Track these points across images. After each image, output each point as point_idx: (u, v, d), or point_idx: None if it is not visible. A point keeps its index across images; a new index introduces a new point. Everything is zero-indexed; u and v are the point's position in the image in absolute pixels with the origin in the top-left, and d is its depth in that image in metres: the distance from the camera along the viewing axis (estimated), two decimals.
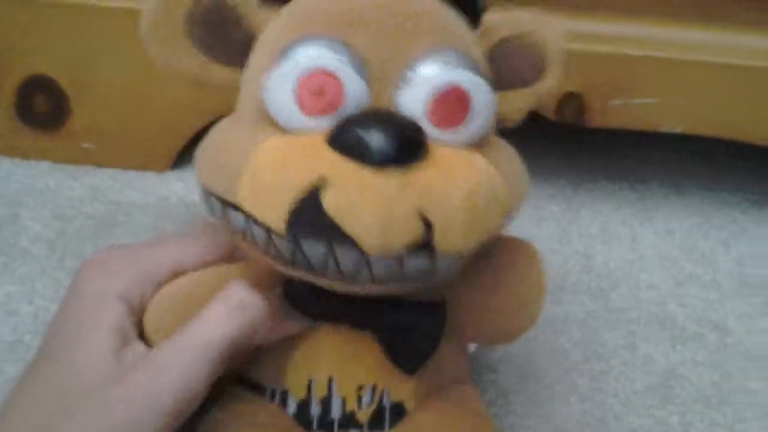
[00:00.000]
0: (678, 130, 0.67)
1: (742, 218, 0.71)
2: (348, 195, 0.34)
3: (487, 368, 0.55)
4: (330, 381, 0.42)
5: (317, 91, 0.36)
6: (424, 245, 0.35)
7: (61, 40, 0.64)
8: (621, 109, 0.66)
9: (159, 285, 0.42)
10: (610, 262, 0.65)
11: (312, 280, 0.39)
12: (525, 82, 0.45)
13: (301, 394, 0.42)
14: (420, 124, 0.37)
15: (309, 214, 0.35)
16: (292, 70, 0.36)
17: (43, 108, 0.67)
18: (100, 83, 0.66)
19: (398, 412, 0.43)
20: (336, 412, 0.42)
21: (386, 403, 0.43)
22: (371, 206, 0.34)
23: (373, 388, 0.42)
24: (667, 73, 0.65)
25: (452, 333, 0.43)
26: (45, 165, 0.68)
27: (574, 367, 0.56)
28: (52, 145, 0.68)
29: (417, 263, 0.36)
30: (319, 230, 0.35)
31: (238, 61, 0.41)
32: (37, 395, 0.39)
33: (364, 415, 0.42)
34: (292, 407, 0.43)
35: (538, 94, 0.46)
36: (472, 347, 0.53)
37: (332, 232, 0.35)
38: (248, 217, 0.37)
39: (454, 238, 0.36)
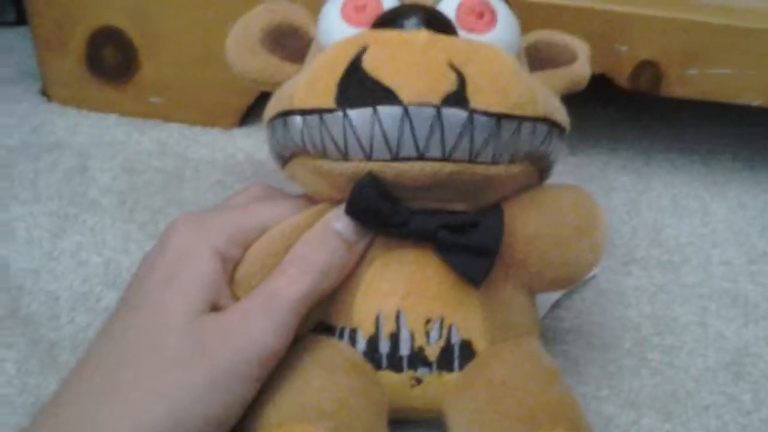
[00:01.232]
0: (755, 103, 0.65)
1: None
2: (384, 51, 0.40)
3: (558, 339, 0.54)
4: (398, 314, 0.43)
5: (360, 8, 0.43)
6: (459, 99, 0.39)
7: None
8: (697, 79, 0.65)
9: (249, 246, 0.44)
10: (681, 235, 0.64)
11: (366, 168, 0.41)
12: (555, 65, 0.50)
13: (370, 330, 0.43)
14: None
15: (353, 80, 0.40)
16: None
17: (112, 60, 0.67)
18: (169, 38, 0.66)
19: (467, 352, 0.43)
20: (405, 348, 0.43)
21: (455, 339, 0.43)
22: (405, 56, 0.39)
23: (441, 322, 0.43)
24: (746, 44, 0.63)
25: (518, 283, 0.44)
26: (113, 117, 0.68)
27: (645, 340, 0.55)
28: (120, 98, 0.68)
29: (455, 118, 0.39)
30: (364, 92, 0.39)
31: (300, 60, 0.47)
32: (122, 338, 0.40)
33: (433, 352, 0.43)
34: (361, 344, 0.43)
35: (568, 78, 0.49)
36: (542, 310, 0.52)
37: (375, 91, 0.39)
38: (303, 113, 0.41)
39: (487, 94, 0.39)
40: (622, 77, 0.64)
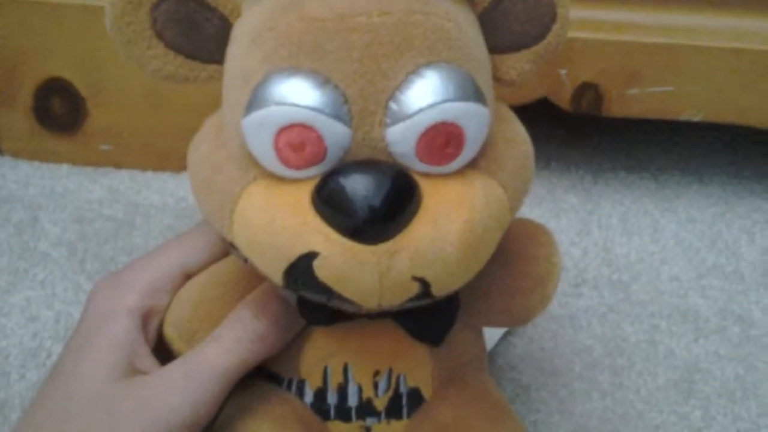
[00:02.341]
0: (697, 118, 0.66)
1: (766, 206, 0.70)
2: (338, 269, 0.33)
3: (508, 365, 0.55)
4: (345, 367, 0.42)
5: (297, 147, 0.33)
6: (422, 297, 0.35)
7: (76, 42, 0.65)
8: (638, 98, 0.65)
9: (173, 290, 0.42)
10: (631, 253, 0.65)
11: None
12: (529, 39, 0.39)
13: (318, 382, 0.42)
14: (409, 163, 0.34)
15: (303, 277, 0.34)
16: (269, 122, 0.33)
17: (60, 110, 0.67)
18: (115, 85, 0.66)
19: (416, 399, 0.43)
20: (353, 400, 0.42)
21: (403, 389, 0.43)
22: (363, 279, 0.33)
23: (389, 373, 0.42)
24: (684, 61, 0.64)
25: (467, 317, 0.43)
26: (64, 168, 0.69)
27: (595, 362, 0.56)
28: (70, 148, 0.69)
29: (417, 303, 0.36)
30: (316, 288, 0.34)
31: (215, 56, 0.37)
32: (43, 413, 0.39)
33: (381, 402, 0.43)
34: (309, 396, 0.43)
35: (545, 53, 0.40)
36: (492, 341, 0.53)
37: (329, 290, 0.34)
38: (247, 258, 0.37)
39: (452, 284, 0.35)
40: (563, 100, 0.65)
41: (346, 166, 0.34)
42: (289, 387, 0.43)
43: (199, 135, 0.39)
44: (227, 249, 0.43)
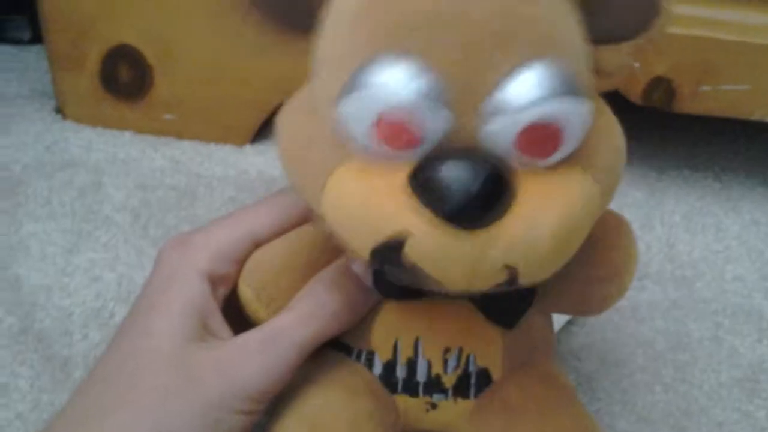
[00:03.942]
0: None
1: None
2: (431, 253, 0.33)
3: (571, 354, 0.54)
4: (416, 342, 0.42)
5: (396, 131, 0.33)
6: (508, 285, 0.35)
7: (147, 10, 0.65)
8: (711, 95, 0.64)
9: (240, 259, 0.42)
10: (694, 251, 0.64)
11: None
12: (631, 32, 0.38)
13: (388, 355, 0.42)
14: (507, 154, 0.34)
15: (392, 257, 0.33)
16: (369, 106, 0.33)
17: (126, 78, 0.67)
18: (182, 55, 0.66)
19: (484, 379, 0.43)
20: (421, 375, 0.42)
21: (472, 368, 0.42)
22: (455, 265, 0.33)
23: (460, 352, 0.42)
24: (760, 60, 0.63)
25: (541, 303, 0.42)
26: (127, 135, 0.69)
27: (658, 356, 0.55)
28: (134, 115, 0.69)
29: (501, 289, 0.35)
30: (403, 268, 0.34)
31: (310, 28, 0.37)
32: (114, 367, 0.39)
33: (449, 380, 0.42)
34: (378, 368, 0.42)
35: (642, 47, 0.39)
36: (557, 326, 0.52)
37: (416, 271, 0.34)
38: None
39: (539, 275, 0.35)
40: (635, 93, 0.64)
41: (444, 152, 0.33)
42: (358, 358, 0.43)
43: (290, 106, 0.38)
44: (307, 219, 0.43)
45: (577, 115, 0.34)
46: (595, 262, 0.43)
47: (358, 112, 0.33)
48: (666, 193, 0.69)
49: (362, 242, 0.34)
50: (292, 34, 0.37)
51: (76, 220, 0.60)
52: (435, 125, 0.33)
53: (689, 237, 0.65)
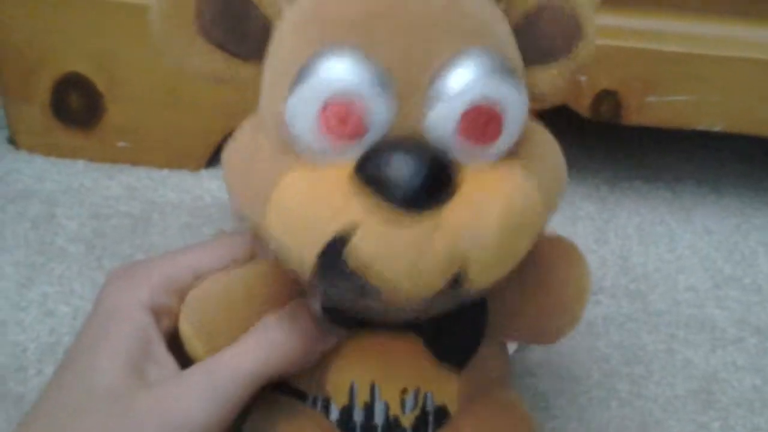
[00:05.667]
0: (716, 128, 0.66)
1: None
2: (378, 243, 0.33)
3: (527, 372, 0.55)
4: (372, 386, 0.41)
5: (342, 117, 0.33)
6: (455, 286, 0.34)
7: (96, 38, 0.64)
8: (657, 107, 0.65)
9: (183, 291, 0.42)
10: (648, 263, 0.65)
11: None
12: (556, 55, 0.40)
13: (344, 400, 0.42)
14: (450, 143, 0.34)
15: (336, 262, 0.33)
16: (315, 95, 0.33)
17: (77, 106, 0.67)
18: (134, 82, 0.66)
19: (442, 415, 0.43)
20: (379, 418, 0.42)
21: (430, 407, 0.42)
22: (401, 255, 0.33)
23: (417, 392, 0.42)
24: (705, 70, 0.64)
25: (494, 333, 0.42)
26: (80, 164, 0.68)
27: (613, 371, 0.56)
28: (87, 144, 0.68)
29: (445, 301, 0.35)
30: (347, 277, 0.33)
31: (257, 55, 0.37)
32: (57, 404, 0.39)
33: (407, 420, 0.42)
34: (334, 414, 0.42)
35: (572, 68, 0.41)
36: (511, 349, 0.52)
37: (363, 275, 0.33)
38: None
39: (486, 276, 0.35)
40: (582, 107, 0.65)
41: (386, 143, 0.34)
42: (314, 404, 0.42)
43: (235, 135, 0.39)
44: (251, 256, 0.43)
45: (515, 100, 0.35)
46: (548, 293, 0.43)
47: (304, 104, 0.33)
48: (619, 206, 0.70)
49: (307, 246, 0.34)
50: (240, 62, 0.37)
51: (29, 252, 0.60)
52: (378, 114, 0.34)
53: (643, 249, 0.66)
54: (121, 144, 0.68)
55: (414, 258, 0.33)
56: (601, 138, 0.75)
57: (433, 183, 0.33)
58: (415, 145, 0.34)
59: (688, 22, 0.64)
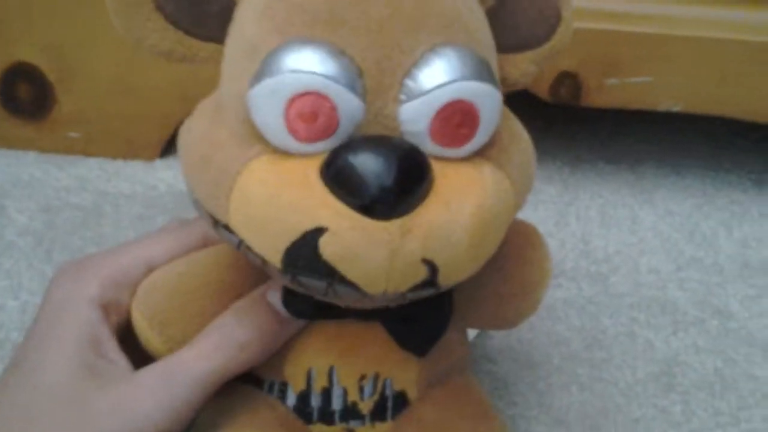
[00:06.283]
0: (676, 109, 0.65)
1: (744, 198, 0.70)
2: (347, 245, 0.31)
3: (486, 358, 0.54)
4: (330, 371, 0.41)
5: (309, 117, 0.32)
6: (428, 285, 0.33)
7: (44, 27, 0.63)
8: (617, 88, 0.65)
9: (133, 285, 0.40)
10: (609, 245, 0.64)
11: None
12: (533, 40, 0.39)
13: (301, 385, 0.41)
14: (422, 144, 0.33)
15: (306, 256, 0.32)
16: (281, 90, 0.32)
17: (27, 96, 0.66)
18: (84, 71, 0.65)
19: (401, 401, 0.42)
20: (337, 403, 0.41)
21: (389, 392, 0.42)
22: (372, 257, 0.32)
23: (376, 378, 0.41)
24: (663, 51, 0.63)
25: (456, 320, 0.41)
26: (31, 155, 0.67)
27: (574, 355, 0.55)
28: (37, 135, 0.67)
29: (419, 294, 0.34)
30: (318, 271, 0.32)
31: (216, 34, 0.36)
32: (7, 405, 0.38)
33: (366, 406, 0.41)
34: (291, 399, 0.41)
35: (549, 54, 0.40)
36: (471, 334, 0.52)
37: (331, 273, 0.32)
38: (242, 240, 0.34)
39: (459, 273, 0.34)
40: (542, 90, 0.65)
41: (357, 140, 0.32)
42: (270, 390, 0.42)
43: (192, 117, 0.37)
44: (205, 244, 0.42)
45: (489, 100, 0.33)
46: (508, 278, 0.43)
47: (268, 99, 0.32)
48: (580, 188, 0.69)
49: (273, 244, 0.32)
50: (199, 41, 0.36)
51: None
52: (348, 110, 0.32)
53: (604, 231, 0.65)
54: (72, 134, 0.67)
55: (385, 262, 0.32)
56: (563, 119, 0.74)
57: (400, 187, 0.31)
58: (384, 144, 0.32)
59: (647, 3, 0.64)
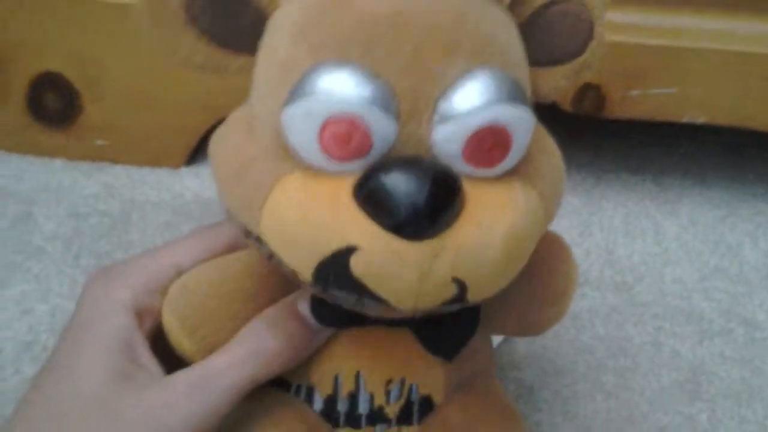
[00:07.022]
0: (700, 120, 0.65)
1: None
2: (378, 265, 0.32)
3: (512, 365, 0.54)
4: (357, 376, 0.41)
5: (343, 138, 0.32)
6: (457, 301, 0.34)
7: (72, 36, 0.64)
8: (640, 100, 0.65)
9: (165, 290, 0.40)
10: (634, 255, 0.64)
11: None
12: (566, 55, 0.39)
13: (328, 389, 0.41)
14: (454, 164, 0.33)
15: (337, 273, 0.32)
16: (315, 113, 0.32)
17: (54, 105, 0.66)
18: (111, 80, 0.65)
19: (427, 405, 0.42)
20: (364, 408, 0.41)
21: (415, 397, 0.41)
22: (403, 277, 0.32)
23: (402, 382, 0.41)
24: (687, 63, 0.64)
25: (483, 326, 0.41)
26: (58, 162, 0.68)
27: (599, 363, 0.55)
28: (65, 142, 0.67)
29: (447, 308, 0.35)
30: (348, 286, 0.33)
31: (249, 47, 0.36)
32: (40, 409, 0.38)
33: (392, 410, 0.41)
34: (318, 403, 0.41)
35: (581, 69, 0.40)
36: (496, 341, 0.52)
37: (362, 289, 0.32)
38: (273, 252, 0.35)
39: (488, 290, 0.34)
40: (565, 101, 0.65)
41: (389, 161, 0.32)
42: (297, 393, 0.42)
43: (224, 128, 0.37)
44: (234, 250, 0.42)
45: (522, 123, 0.33)
46: (536, 286, 0.43)
47: (303, 120, 0.32)
48: (604, 198, 0.70)
49: (305, 259, 0.33)
50: (231, 53, 0.36)
51: (6, 251, 0.59)
52: (382, 133, 0.32)
53: (628, 241, 0.66)
54: (99, 142, 0.67)
55: (415, 283, 0.32)
56: (587, 131, 0.74)
57: (432, 208, 0.31)
58: (417, 165, 0.32)
59: (671, 15, 0.64)
